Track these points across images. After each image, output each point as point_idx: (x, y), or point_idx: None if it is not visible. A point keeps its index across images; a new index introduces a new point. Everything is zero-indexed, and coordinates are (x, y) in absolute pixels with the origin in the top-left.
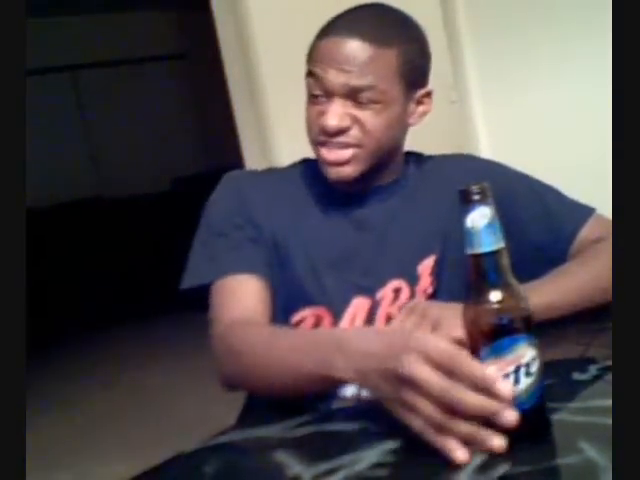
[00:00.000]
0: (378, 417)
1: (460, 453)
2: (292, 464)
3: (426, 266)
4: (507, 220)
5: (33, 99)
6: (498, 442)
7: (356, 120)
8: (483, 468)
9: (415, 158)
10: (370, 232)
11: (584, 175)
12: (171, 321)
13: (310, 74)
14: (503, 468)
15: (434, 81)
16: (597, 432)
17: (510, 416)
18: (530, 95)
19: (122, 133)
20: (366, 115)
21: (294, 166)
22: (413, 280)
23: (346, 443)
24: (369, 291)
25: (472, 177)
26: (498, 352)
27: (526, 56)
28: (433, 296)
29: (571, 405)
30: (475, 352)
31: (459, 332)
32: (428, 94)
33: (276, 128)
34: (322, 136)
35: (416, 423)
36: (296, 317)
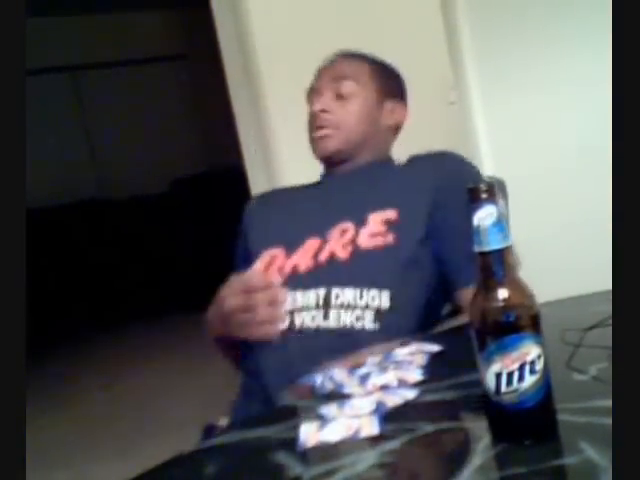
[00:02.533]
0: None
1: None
2: (292, 465)
3: (379, 216)
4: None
5: (33, 99)
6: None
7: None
8: (483, 468)
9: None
10: (333, 190)
11: (584, 175)
12: (170, 322)
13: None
14: (503, 468)
15: (433, 81)
16: (597, 432)
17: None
18: (530, 96)
19: (122, 133)
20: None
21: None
22: (360, 223)
23: (345, 444)
24: (320, 232)
25: (439, 177)
26: (503, 349)
27: (526, 56)
28: (392, 245)
29: (571, 405)
30: (482, 348)
31: None
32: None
33: (276, 128)
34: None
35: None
36: (257, 259)
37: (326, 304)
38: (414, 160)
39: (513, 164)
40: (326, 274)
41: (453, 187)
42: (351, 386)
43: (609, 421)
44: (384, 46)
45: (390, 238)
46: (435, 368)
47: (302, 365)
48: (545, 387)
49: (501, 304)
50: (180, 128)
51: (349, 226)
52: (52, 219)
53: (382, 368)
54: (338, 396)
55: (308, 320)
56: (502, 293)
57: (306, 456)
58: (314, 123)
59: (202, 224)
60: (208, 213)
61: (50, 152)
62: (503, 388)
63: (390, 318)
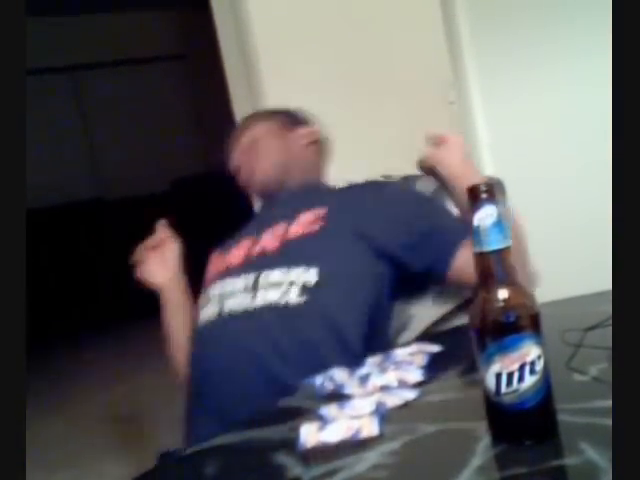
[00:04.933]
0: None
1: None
2: (292, 465)
3: (310, 213)
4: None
5: (33, 99)
6: None
7: None
8: (483, 469)
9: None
10: (270, 207)
11: (585, 174)
12: None
13: None
14: (503, 469)
15: (433, 81)
16: (597, 433)
17: None
18: (530, 95)
19: (122, 133)
20: None
21: None
22: (291, 221)
23: (346, 445)
24: (254, 234)
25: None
26: (504, 349)
27: (526, 55)
28: (320, 230)
29: (571, 406)
30: (482, 348)
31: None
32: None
33: None
34: None
35: None
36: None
37: (254, 287)
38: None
39: (513, 164)
40: (256, 264)
41: (382, 193)
42: (351, 386)
43: (609, 422)
44: (384, 45)
45: (317, 226)
46: (435, 368)
47: (233, 351)
48: (545, 388)
49: (501, 304)
50: (180, 128)
51: (281, 226)
52: (52, 219)
53: (382, 369)
54: (338, 397)
55: (235, 305)
56: (502, 293)
57: (306, 456)
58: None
59: (202, 224)
60: (209, 212)
61: (50, 152)
62: (503, 388)
63: (316, 293)
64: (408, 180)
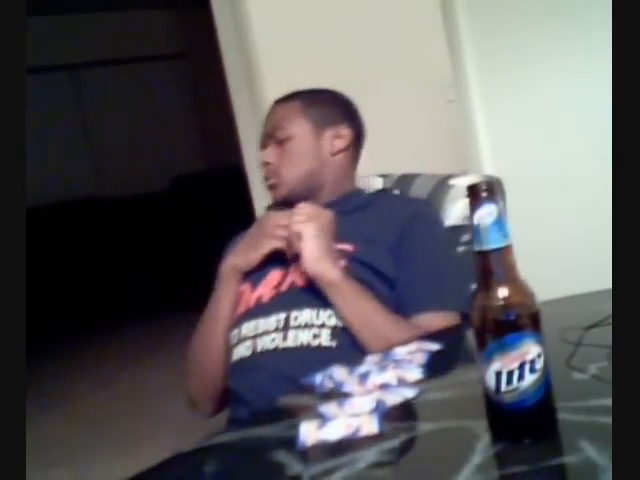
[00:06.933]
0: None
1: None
2: (292, 463)
3: (336, 247)
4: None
5: (33, 98)
6: None
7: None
8: (483, 468)
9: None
10: None
11: (585, 173)
12: (171, 321)
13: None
14: (503, 467)
15: (433, 80)
16: (597, 431)
17: None
18: (530, 94)
19: (122, 133)
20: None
21: None
22: None
23: (345, 443)
24: (283, 266)
25: (407, 214)
26: (504, 347)
27: (526, 54)
28: (345, 270)
29: (571, 404)
30: (482, 347)
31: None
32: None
33: None
34: None
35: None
36: None
37: (285, 326)
38: (383, 196)
39: (513, 162)
40: (286, 300)
41: (419, 222)
42: (351, 385)
43: (609, 420)
44: (384, 45)
45: (342, 263)
46: (435, 367)
47: (268, 387)
48: (545, 386)
49: (501, 303)
50: (180, 128)
51: None
52: (51, 218)
53: (382, 367)
54: (338, 395)
55: (268, 343)
56: (502, 292)
57: (306, 455)
58: (262, 175)
59: (202, 223)
60: (208, 212)
61: (50, 150)
62: (503, 387)
63: (346, 336)
64: (406, 179)
